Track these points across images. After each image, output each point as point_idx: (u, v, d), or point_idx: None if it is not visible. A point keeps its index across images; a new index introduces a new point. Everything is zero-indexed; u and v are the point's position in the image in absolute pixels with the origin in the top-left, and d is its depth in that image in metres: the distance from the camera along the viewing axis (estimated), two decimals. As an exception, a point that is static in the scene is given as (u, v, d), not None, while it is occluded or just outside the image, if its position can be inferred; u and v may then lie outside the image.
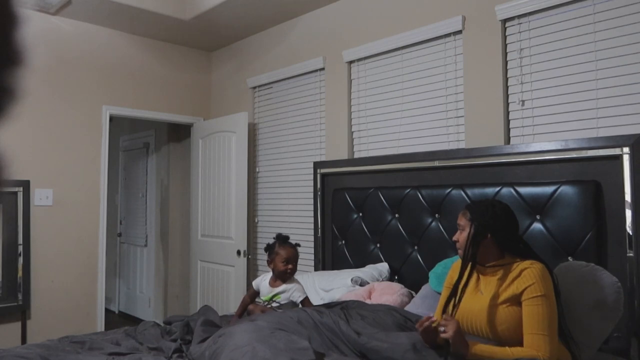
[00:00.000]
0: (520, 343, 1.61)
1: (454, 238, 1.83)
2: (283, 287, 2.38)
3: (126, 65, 4.16)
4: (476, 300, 1.74)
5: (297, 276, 2.66)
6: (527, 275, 1.65)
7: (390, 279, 2.83)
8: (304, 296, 2.38)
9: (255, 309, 2.39)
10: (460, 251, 1.81)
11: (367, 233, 3.02)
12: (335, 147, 3.45)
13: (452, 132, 2.81)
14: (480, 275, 1.79)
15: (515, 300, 1.65)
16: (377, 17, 3.23)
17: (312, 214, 3.56)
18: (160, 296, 5.02)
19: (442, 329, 1.57)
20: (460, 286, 1.74)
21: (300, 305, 2.34)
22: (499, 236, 1.74)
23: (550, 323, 1.59)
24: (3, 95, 0.33)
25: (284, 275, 2.38)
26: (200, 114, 4.62)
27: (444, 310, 1.79)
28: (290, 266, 2.37)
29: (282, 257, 2.36)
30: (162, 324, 2.43)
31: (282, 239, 2.44)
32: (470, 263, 1.74)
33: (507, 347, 1.60)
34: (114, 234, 5.74)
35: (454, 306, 1.75)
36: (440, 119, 2.87)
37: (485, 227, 1.73)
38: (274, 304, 2.37)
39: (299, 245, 2.47)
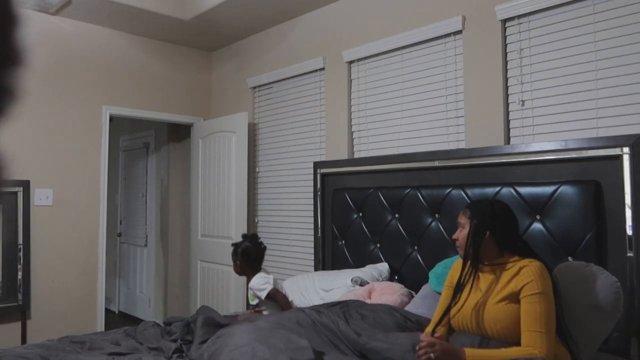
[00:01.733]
0: (519, 341, 1.61)
1: (454, 236, 1.85)
2: (249, 286, 2.47)
3: (126, 65, 4.16)
4: (475, 298, 1.74)
5: (297, 276, 2.67)
6: (525, 273, 1.65)
7: (390, 279, 2.83)
8: (266, 291, 2.40)
9: (241, 317, 2.40)
10: (459, 249, 1.82)
11: (367, 233, 3.02)
12: (335, 147, 3.45)
13: (452, 132, 2.81)
14: (480, 274, 1.80)
15: (514, 298, 1.65)
16: (377, 17, 3.23)
17: (312, 214, 3.56)
18: (160, 296, 5.02)
19: (432, 355, 1.55)
20: (464, 283, 1.75)
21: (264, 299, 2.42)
22: (498, 235, 1.75)
23: (548, 321, 1.59)
24: (3, 95, 0.33)
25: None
26: (200, 114, 4.62)
27: (448, 309, 1.79)
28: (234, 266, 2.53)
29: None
30: (162, 324, 2.43)
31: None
32: (470, 261, 1.75)
33: (502, 348, 1.60)
34: (114, 234, 5.74)
35: (455, 303, 1.76)
36: (440, 119, 2.87)
37: (484, 226, 1.74)
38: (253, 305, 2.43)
39: (233, 244, 2.59)
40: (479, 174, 2.55)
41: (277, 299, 2.42)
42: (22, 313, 3.57)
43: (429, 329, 1.85)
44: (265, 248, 2.63)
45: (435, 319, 1.89)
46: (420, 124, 2.97)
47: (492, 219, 1.75)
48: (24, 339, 3.56)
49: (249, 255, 2.53)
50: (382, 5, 3.20)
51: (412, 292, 2.61)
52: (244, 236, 2.60)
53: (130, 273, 5.61)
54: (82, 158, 3.90)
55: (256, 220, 4.14)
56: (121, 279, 5.79)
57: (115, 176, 5.81)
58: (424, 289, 2.49)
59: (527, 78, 2.52)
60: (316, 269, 3.37)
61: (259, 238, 2.60)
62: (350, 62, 3.39)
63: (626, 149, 2.03)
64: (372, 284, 2.65)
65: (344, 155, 3.38)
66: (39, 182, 3.69)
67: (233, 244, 2.57)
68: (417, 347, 1.60)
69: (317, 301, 2.71)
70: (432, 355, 1.54)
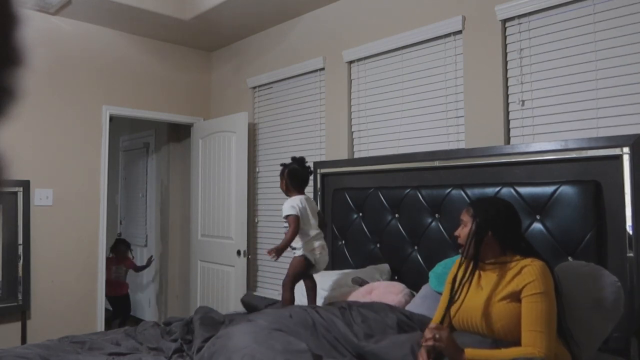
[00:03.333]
0: (519, 340, 1.61)
1: (456, 233, 1.85)
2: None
3: (126, 65, 4.16)
4: (476, 297, 1.74)
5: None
6: (527, 272, 1.65)
7: (391, 279, 2.83)
8: (285, 213, 2.57)
9: None
10: (461, 244, 1.82)
11: (367, 233, 3.02)
12: (335, 147, 3.45)
13: (452, 132, 2.81)
14: (481, 272, 1.80)
15: (515, 297, 1.65)
16: (377, 17, 3.23)
17: (312, 214, 3.56)
18: (160, 296, 5.02)
19: (437, 335, 1.55)
20: (463, 282, 1.74)
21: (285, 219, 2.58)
22: (500, 234, 1.74)
23: (549, 320, 1.59)
24: (3, 95, 0.33)
25: None
26: (200, 114, 4.62)
27: (448, 306, 1.79)
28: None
29: None
30: (162, 324, 2.43)
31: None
32: (471, 260, 1.75)
33: (502, 349, 1.60)
34: (114, 234, 5.74)
35: (454, 301, 1.76)
36: (440, 119, 2.87)
37: (486, 224, 1.74)
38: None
39: (282, 164, 2.76)
40: (479, 174, 2.55)
41: (288, 225, 2.55)
42: (22, 313, 3.57)
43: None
44: (311, 172, 2.79)
45: (437, 317, 1.89)
46: (420, 124, 2.97)
47: (495, 218, 1.75)
48: (24, 339, 3.56)
49: (296, 176, 2.68)
50: (382, 5, 3.20)
51: (414, 292, 2.61)
52: (292, 158, 2.74)
53: (130, 273, 5.59)
54: (82, 158, 3.90)
55: (256, 220, 4.14)
56: (121, 279, 5.78)
57: (115, 176, 5.81)
58: (424, 289, 2.49)
59: (527, 78, 2.52)
60: (316, 269, 3.37)
61: (307, 162, 2.75)
62: (350, 62, 3.39)
63: (626, 149, 2.03)
64: (372, 284, 2.65)
65: (344, 155, 3.38)
66: (39, 182, 3.69)
67: (282, 164, 2.75)
68: (425, 333, 1.59)
69: (318, 301, 2.71)
70: (436, 341, 1.54)
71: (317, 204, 3.41)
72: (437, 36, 2.87)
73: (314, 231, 2.62)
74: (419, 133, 2.97)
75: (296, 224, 2.53)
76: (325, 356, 1.74)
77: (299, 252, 2.58)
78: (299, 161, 2.72)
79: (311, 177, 3.54)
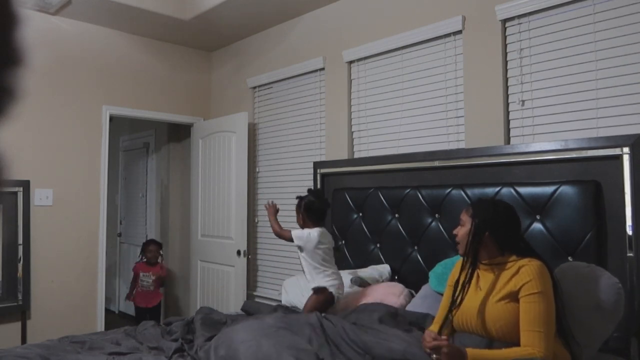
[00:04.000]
0: (518, 340, 1.61)
1: (454, 232, 1.86)
2: None
3: (126, 65, 4.16)
4: (475, 298, 1.74)
5: (297, 276, 2.67)
6: (525, 272, 1.65)
7: (391, 279, 2.83)
8: (295, 241, 2.54)
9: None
10: (459, 245, 1.83)
11: (367, 233, 3.02)
12: (335, 147, 3.45)
13: (452, 132, 2.81)
14: (480, 272, 1.80)
15: (513, 297, 1.65)
16: (377, 17, 3.23)
17: (312, 214, 3.55)
18: (160, 296, 5.01)
19: (434, 357, 1.56)
20: (464, 283, 1.75)
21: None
22: (498, 234, 1.75)
23: (547, 320, 1.59)
24: (3, 95, 0.33)
25: None
26: (200, 114, 4.62)
27: (451, 308, 1.79)
28: None
29: None
30: (162, 324, 2.43)
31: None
32: (470, 260, 1.76)
33: (502, 349, 1.60)
34: (114, 234, 5.74)
35: (457, 304, 1.76)
36: (440, 119, 2.87)
37: (484, 225, 1.74)
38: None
39: (297, 197, 2.68)
40: (479, 174, 2.55)
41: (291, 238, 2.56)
42: (22, 313, 3.57)
43: (433, 327, 1.85)
44: (329, 205, 2.69)
45: (438, 318, 1.89)
46: (420, 124, 2.97)
47: (493, 219, 1.75)
48: (24, 339, 3.56)
49: (311, 209, 2.58)
50: (382, 5, 3.20)
51: (412, 292, 2.61)
52: (309, 190, 2.66)
53: (130, 273, 5.60)
54: (82, 158, 3.90)
55: (256, 220, 4.14)
56: (121, 279, 5.78)
57: (115, 176, 5.81)
58: (424, 289, 2.49)
59: (527, 78, 2.52)
60: (316, 269, 3.36)
61: (324, 194, 2.68)
62: (350, 62, 3.39)
63: (626, 149, 2.03)
64: (373, 286, 2.65)
65: (344, 155, 3.38)
66: (39, 182, 3.69)
67: (298, 197, 2.66)
68: (426, 344, 1.60)
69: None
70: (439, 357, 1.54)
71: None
72: (437, 36, 2.87)
73: (330, 267, 2.54)
74: (419, 133, 2.97)
75: (288, 236, 2.53)
76: (330, 356, 1.74)
77: (314, 284, 2.49)
78: (316, 193, 2.63)
79: (309, 178, 3.53)
